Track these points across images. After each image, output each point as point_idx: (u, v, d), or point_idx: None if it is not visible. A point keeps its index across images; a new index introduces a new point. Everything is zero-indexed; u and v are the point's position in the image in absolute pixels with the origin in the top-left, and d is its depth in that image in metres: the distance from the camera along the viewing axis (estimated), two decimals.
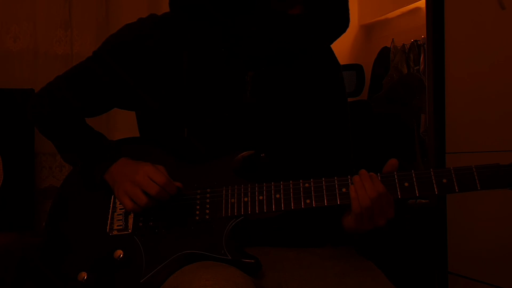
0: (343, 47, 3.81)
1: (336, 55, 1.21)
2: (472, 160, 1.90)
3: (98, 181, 1.07)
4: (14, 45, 2.50)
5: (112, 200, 1.09)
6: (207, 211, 1.02)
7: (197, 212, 1.02)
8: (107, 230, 1.07)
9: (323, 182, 0.98)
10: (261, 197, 1.00)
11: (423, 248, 2.22)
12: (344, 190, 0.97)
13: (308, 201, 0.98)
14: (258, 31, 1.04)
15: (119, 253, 1.03)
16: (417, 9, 3.47)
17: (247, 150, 1.05)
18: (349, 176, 0.97)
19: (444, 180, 0.95)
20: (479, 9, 1.89)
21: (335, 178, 0.98)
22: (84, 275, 1.03)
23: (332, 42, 1.14)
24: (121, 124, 2.37)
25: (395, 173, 0.96)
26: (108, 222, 1.07)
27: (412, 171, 0.96)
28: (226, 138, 1.07)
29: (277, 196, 0.99)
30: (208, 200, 1.03)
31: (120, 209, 1.07)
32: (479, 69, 1.90)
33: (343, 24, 1.11)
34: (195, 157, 1.07)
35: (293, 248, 1.09)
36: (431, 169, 0.96)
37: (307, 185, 0.99)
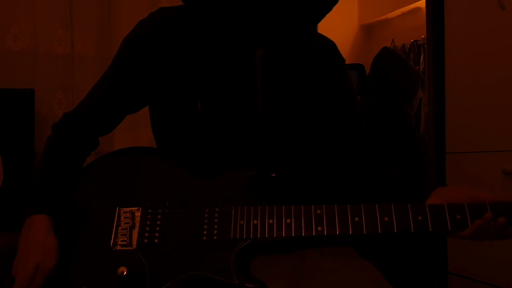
0: (343, 47, 3.81)
1: None
2: (471, 160, 1.91)
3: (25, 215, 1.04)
4: (14, 45, 2.49)
5: (117, 213, 1.06)
6: (215, 231, 0.99)
7: (205, 232, 0.99)
8: (111, 244, 1.03)
9: (335, 209, 0.96)
10: (271, 221, 0.97)
11: (423, 248, 2.22)
12: (356, 219, 0.95)
13: (319, 228, 0.96)
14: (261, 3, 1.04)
15: (123, 269, 0.99)
16: (417, 9, 3.47)
17: (259, 156, 1.04)
18: (361, 205, 0.96)
19: (458, 216, 0.94)
20: (479, 9, 1.89)
21: (348, 206, 0.96)
22: None
23: (330, 8, 1.13)
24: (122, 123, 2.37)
25: (408, 205, 0.95)
26: (112, 236, 1.03)
27: (426, 204, 0.95)
28: (236, 117, 1.06)
29: (288, 221, 0.97)
30: (216, 220, 1.00)
31: (125, 223, 1.04)
32: (479, 69, 1.90)
33: None
34: (207, 158, 1.06)
35: (295, 253, 1.07)
36: (445, 204, 0.95)
37: (319, 211, 0.97)
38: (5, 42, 2.48)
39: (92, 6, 2.60)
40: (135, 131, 2.52)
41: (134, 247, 1.01)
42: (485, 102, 1.87)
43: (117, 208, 1.06)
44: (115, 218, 1.05)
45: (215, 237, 0.99)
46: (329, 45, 1.20)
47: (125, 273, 0.99)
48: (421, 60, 3.40)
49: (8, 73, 2.47)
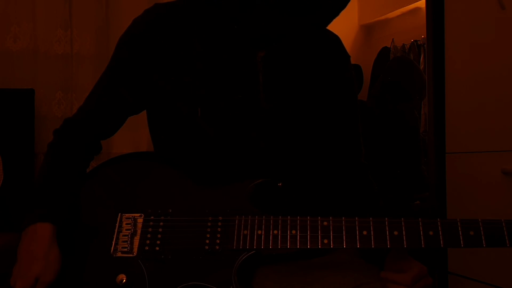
0: None
1: None
2: (471, 160, 1.91)
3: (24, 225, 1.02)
4: (14, 45, 2.50)
5: (118, 218, 1.03)
6: (218, 241, 0.97)
7: (207, 241, 0.97)
8: (111, 251, 1.00)
9: (343, 222, 0.94)
10: (276, 232, 0.95)
11: (423, 248, 2.21)
12: (365, 233, 0.92)
13: (325, 241, 0.93)
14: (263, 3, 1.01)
15: (122, 277, 0.97)
16: (417, 9, 3.48)
17: (264, 164, 1.01)
18: (370, 218, 0.93)
19: (471, 233, 0.91)
20: (479, 9, 1.89)
21: (356, 218, 0.94)
22: None
23: (337, 13, 1.10)
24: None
25: (419, 219, 0.93)
26: (113, 242, 1.01)
27: (438, 219, 0.93)
28: (237, 122, 1.03)
29: (293, 232, 0.94)
30: (219, 229, 0.98)
31: (127, 229, 1.02)
32: (479, 69, 1.90)
33: None
34: (208, 165, 1.04)
35: (299, 262, 1.06)
36: (458, 220, 0.92)
37: (325, 223, 0.94)
38: (5, 42, 2.49)
39: (91, 6, 2.60)
40: (135, 131, 2.52)
41: (134, 254, 0.99)
42: (485, 102, 1.86)
43: (119, 214, 1.03)
44: (117, 224, 1.03)
45: (217, 247, 0.96)
46: (333, 42, 1.16)
47: (124, 280, 0.97)
48: (421, 60, 3.41)
49: (8, 73, 2.48)
